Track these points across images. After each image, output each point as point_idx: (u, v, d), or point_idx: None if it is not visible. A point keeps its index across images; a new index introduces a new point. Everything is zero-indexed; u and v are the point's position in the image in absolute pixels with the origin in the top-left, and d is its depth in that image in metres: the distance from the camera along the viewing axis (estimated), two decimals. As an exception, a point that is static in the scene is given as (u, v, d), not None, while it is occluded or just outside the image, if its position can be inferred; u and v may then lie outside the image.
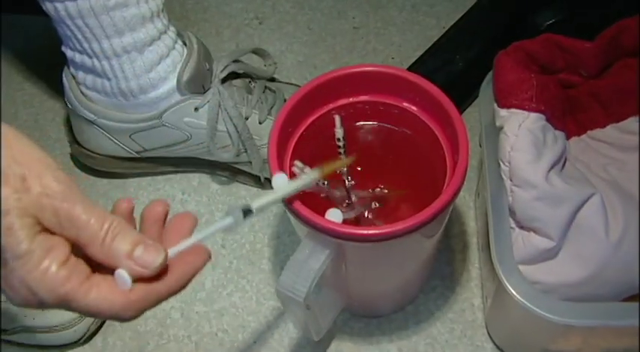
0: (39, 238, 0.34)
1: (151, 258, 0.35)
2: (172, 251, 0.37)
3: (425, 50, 0.78)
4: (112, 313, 0.35)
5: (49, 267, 0.34)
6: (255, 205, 0.42)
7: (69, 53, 0.63)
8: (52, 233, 0.35)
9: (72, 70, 0.66)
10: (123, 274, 0.35)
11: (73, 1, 0.56)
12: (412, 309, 0.65)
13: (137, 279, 0.36)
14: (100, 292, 0.35)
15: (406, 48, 0.83)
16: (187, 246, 0.37)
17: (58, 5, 0.57)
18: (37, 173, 0.34)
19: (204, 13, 0.88)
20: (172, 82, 0.63)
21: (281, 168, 0.49)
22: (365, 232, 0.45)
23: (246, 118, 0.67)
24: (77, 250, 0.36)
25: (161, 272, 0.36)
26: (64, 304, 0.35)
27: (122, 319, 0.36)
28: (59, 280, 0.34)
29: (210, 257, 0.39)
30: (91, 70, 0.63)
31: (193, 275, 0.38)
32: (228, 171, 0.72)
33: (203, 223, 0.71)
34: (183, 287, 0.38)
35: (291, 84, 0.74)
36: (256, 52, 0.71)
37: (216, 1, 0.89)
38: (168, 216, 0.41)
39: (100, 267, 0.36)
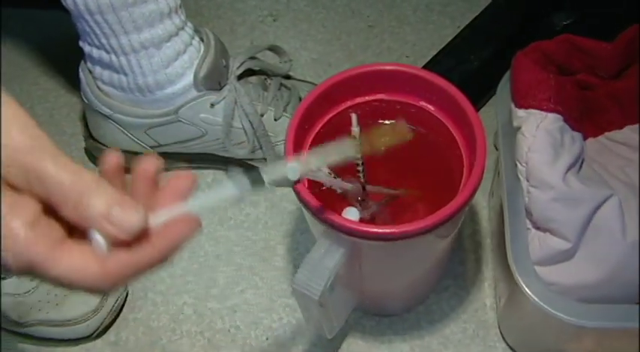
0: (2, 195, 0.30)
1: (128, 219, 0.31)
2: (158, 217, 0.33)
3: (439, 49, 0.78)
4: (86, 284, 0.32)
5: (13, 228, 0.30)
6: (268, 177, 0.35)
7: (87, 48, 0.64)
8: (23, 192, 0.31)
9: (89, 65, 0.66)
10: (97, 237, 0.31)
11: None
12: (425, 309, 0.65)
13: (116, 246, 0.32)
14: (72, 260, 0.31)
15: (420, 47, 0.82)
16: (175, 214, 0.33)
17: (78, 0, 0.57)
18: (7, 127, 0.31)
19: (218, 10, 0.88)
20: (189, 78, 0.64)
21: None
22: (382, 231, 0.45)
23: (262, 115, 0.67)
24: (51, 212, 0.32)
25: (142, 240, 0.33)
26: (31, 271, 0.31)
27: (98, 291, 0.33)
28: (24, 243, 0.30)
29: (200, 226, 0.34)
30: (108, 66, 0.63)
31: (179, 247, 0.34)
32: (243, 167, 0.72)
33: (216, 220, 0.71)
34: (166, 259, 0.34)
35: (306, 81, 0.74)
36: (272, 49, 0.71)
37: (231, -2, 0.90)
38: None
39: (77, 232, 0.32)
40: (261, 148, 0.68)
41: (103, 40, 0.60)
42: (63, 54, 0.80)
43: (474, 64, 0.75)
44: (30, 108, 0.81)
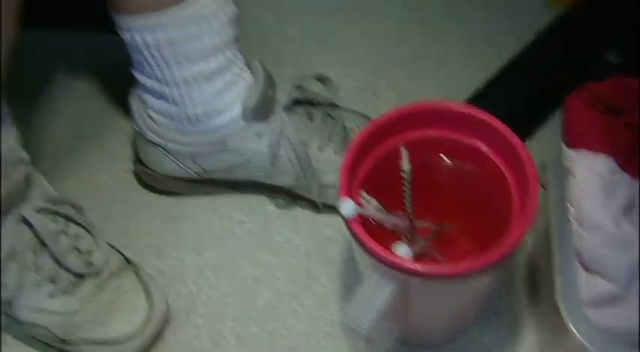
0: None
1: None
2: None
3: (483, 83, 0.78)
4: None
5: None
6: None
7: (139, 77, 0.65)
8: None
9: (141, 93, 0.67)
10: None
11: (150, 33, 0.58)
12: (465, 342, 0.64)
13: None
14: None
15: (464, 79, 0.83)
16: None
17: (136, 35, 0.59)
18: None
19: (265, 36, 0.90)
20: (237, 109, 0.64)
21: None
22: (439, 271, 0.46)
23: (306, 145, 0.68)
24: None
25: None
26: None
27: None
28: None
29: None
30: (160, 95, 0.65)
31: None
32: (287, 195, 0.73)
33: (260, 245, 0.72)
34: None
35: (352, 111, 0.75)
36: (319, 78, 0.72)
37: (277, 25, 0.91)
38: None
39: None
40: (305, 177, 0.69)
41: (157, 71, 0.62)
42: (113, 76, 0.82)
43: (517, 100, 0.74)
44: (79, 127, 0.83)
